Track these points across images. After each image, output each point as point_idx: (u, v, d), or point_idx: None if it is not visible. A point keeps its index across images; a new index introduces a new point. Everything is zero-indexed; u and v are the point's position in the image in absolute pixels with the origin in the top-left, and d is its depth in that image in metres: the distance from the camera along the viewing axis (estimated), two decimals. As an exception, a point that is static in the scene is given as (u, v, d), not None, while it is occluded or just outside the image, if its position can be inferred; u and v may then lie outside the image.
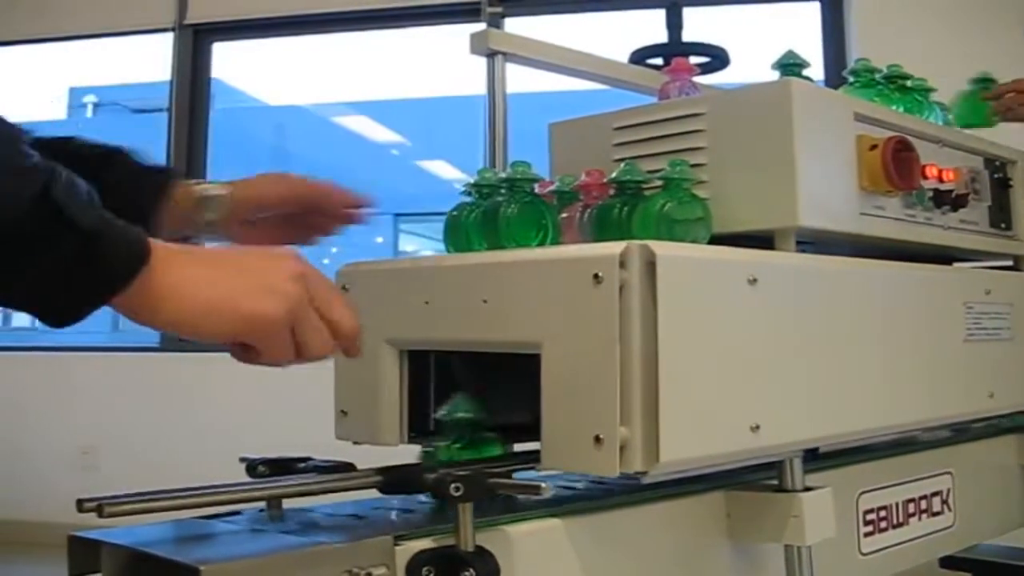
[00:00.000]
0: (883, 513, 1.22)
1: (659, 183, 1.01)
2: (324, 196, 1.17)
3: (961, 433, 1.43)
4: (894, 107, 1.30)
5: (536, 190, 1.04)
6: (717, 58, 1.52)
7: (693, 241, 1.00)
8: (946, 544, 1.34)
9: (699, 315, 0.85)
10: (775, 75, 1.15)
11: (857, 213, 1.10)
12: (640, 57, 1.47)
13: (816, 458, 1.13)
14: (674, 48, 1.46)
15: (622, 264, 0.81)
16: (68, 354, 4.16)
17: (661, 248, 0.82)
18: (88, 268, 0.63)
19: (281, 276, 0.71)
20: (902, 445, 1.30)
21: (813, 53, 3.51)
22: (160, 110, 4.08)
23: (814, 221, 1.03)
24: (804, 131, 1.02)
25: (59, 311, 0.64)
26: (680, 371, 0.82)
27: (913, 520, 1.27)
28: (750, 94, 1.07)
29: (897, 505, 1.24)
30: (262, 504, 0.92)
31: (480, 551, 0.78)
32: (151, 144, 4.15)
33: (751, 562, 1.03)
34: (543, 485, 0.77)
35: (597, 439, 0.81)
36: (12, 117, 0.66)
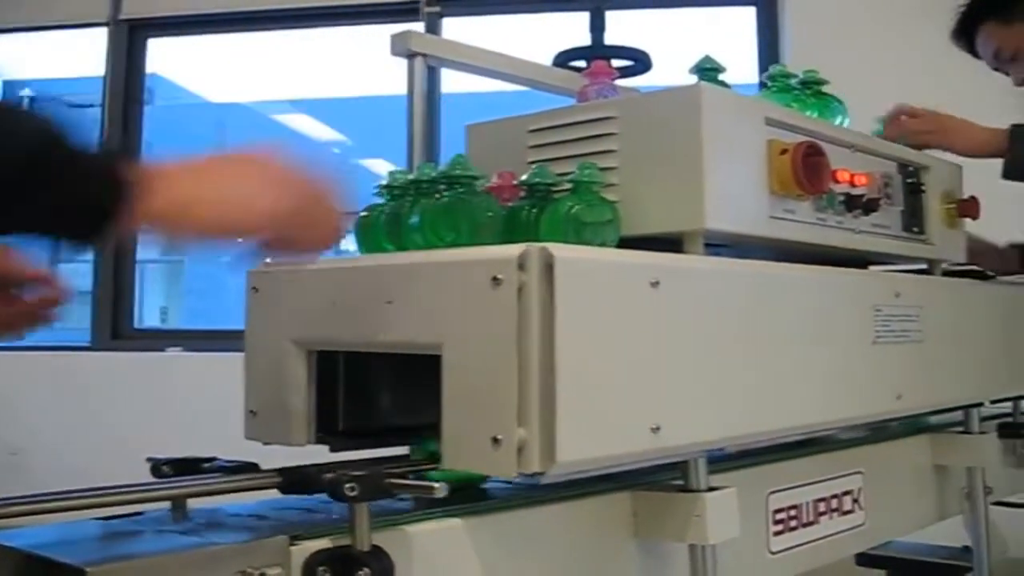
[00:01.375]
0: (793, 512, 1.24)
1: (568, 186, 1.02)
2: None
3: (874, 433, 1.45)
4: (809, 112, 1.32)
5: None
6: (640, 62, 1.54)
7: (602, 244, 1.01)
8: (857, 542, 1.37)
9: (599, 317, 0.86)
10: (694, 79, 1.17)
11: (766, 216, 1.12)
12: (564, 60, 1.48)
13: (725, 458, 1.15)
14: (597, 51, 1.47)
15: (521, 266, 0.82)
16: (-4, 353, 4.07)
17: (560, 250, 0.83)
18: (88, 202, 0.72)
19: (277, 171, 0.81)
20: (813, 445, 1.32)
21: (749, 58, 3.55)
22: (96, 105, 4.02)
23: (721, 224, 1.04)
24: (713, 135, 1.04)
25: (76, 238, 0.74)
26: (578, 373, 0.83)
27: (823, 519, 1.29)
28: (661, 98, 1.08)
29: (807, 504, 1.26)
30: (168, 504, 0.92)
31: (376, 550, 0.78)
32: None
33: (657, 561, 1.04)
34: (436, 485, 0.77)
35: (495, 440, 0.82)
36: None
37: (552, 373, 0.81)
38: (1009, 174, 1.67)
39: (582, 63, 1.42)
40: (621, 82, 1.54)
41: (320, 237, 0.85)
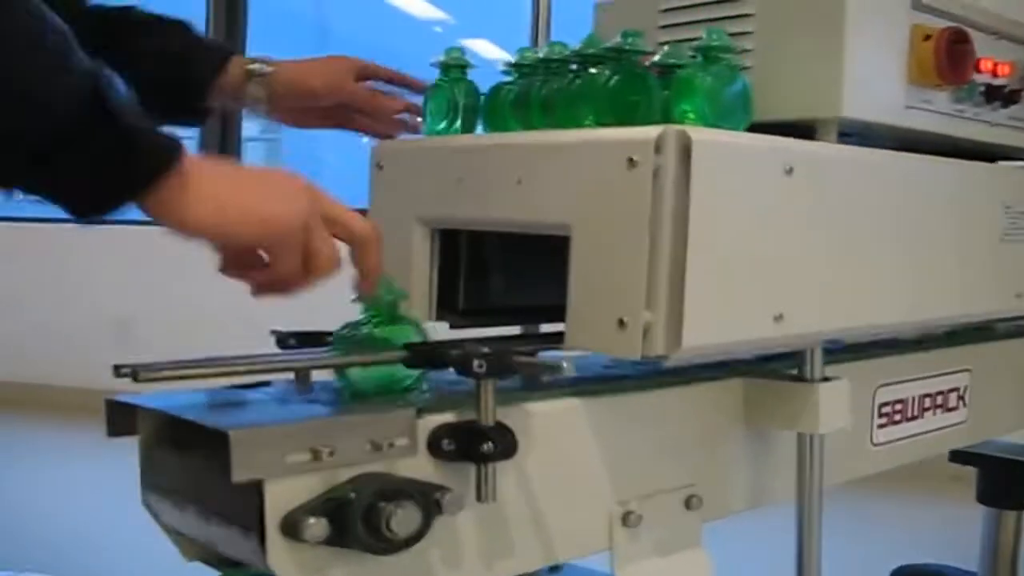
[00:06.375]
0: (899, 406, 1.23)
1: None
2: (371, 103, 1.23)
3: (984, 332, 1.43)
4: None
5: None
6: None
7: (734, 127, 0.99)
8: (957, 438, 1.36)
9: (732, 203, 0.84)
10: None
11: (903, 106, 1.07)
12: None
13: (838, 350, 1.14)
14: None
15: (657, 149, 0.80)
16: (100, 227, 4.16)
17: (697, 133, 0.81)
18: (123, 163, 0.66)
19: (294, 187, 0.77)
20: (924, 342, 1.30)
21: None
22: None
23: (858, 112, 1.00)
24: (857, 18, 0.99)
25: (90, 204, 0.68)
26: (708, 258, 0.82)
27: (927, 414, 1.28)
28: (804, -25, 1.03)
29: (913, 399, 1.25)
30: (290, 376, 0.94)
31: (500, 426, 0.79)
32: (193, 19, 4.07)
33: (764, 447, 1.04)
34: (564, 364, 0.78)
35: (621, 322, 0.82)
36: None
37: (683, 258, 0.80)
38: None
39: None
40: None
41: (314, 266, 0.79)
